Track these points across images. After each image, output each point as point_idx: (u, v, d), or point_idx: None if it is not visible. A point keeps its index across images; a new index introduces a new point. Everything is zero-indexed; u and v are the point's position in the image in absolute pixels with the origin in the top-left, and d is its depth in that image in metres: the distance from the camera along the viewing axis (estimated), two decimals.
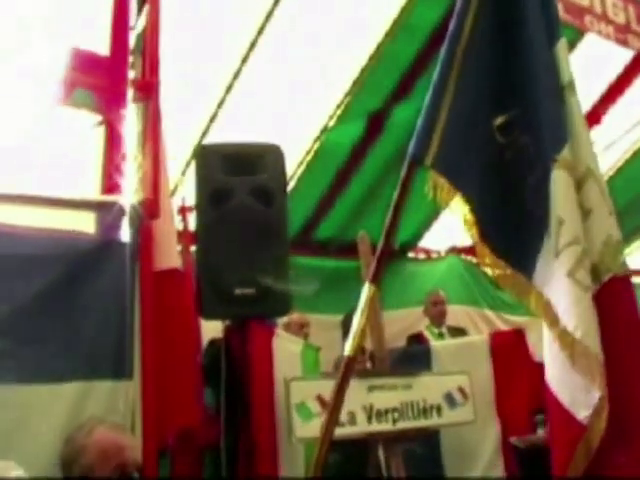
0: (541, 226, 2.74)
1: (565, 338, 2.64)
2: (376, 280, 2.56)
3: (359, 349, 2.54)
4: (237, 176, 3.48)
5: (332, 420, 2.54)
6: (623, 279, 2.79)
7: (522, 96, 2.82)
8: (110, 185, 3.22)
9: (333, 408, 2.55)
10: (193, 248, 4.00)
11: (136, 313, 3.08)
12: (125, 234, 3.18)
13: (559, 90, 2.83)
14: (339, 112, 6.04)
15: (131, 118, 3.35)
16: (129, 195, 3.16)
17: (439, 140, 2.63)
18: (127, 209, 3.12)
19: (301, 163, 6.38)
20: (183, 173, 5.66)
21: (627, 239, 8.65)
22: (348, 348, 2.49)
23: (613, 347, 2.68)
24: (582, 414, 2.61)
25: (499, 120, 2.79)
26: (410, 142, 2.62)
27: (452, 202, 2.69)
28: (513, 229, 2.77)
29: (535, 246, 2.76)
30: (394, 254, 7.91)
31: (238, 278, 3.35)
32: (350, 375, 2.56)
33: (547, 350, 2.77)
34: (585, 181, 2.80)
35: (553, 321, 2.67)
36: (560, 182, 2.71)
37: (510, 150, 2.79)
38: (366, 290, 2.52)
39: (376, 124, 6.17)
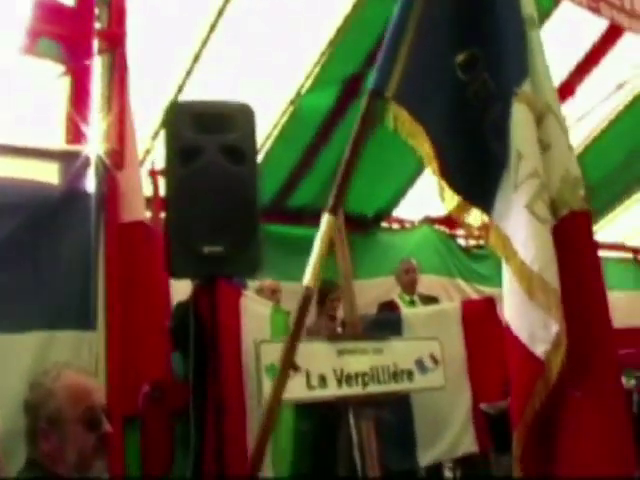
0: (501, 161, 2.71)
1: (523, 271, 2.61)
2: (335, 211, 2.51)
3: (318, 280, 2.49)
4: (207, 134, 3.41)
5: (292, 348, 2.48)
6: (581, 215, 2.76)
7: (483, 31, 2.79)
8: (75, 135, 3.15)
9: (292, 338, 2.50)
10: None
11: (101, 265, 3.03)
12: (90, 185, 3.12)
13: (520, 24, 2.78)
14: (314, 76, 5.97)
15: (97, 69, 3.28)
16: (94, 145, 3.10)
17: (400, 74, 2.61)
18: (92, 159, 3.06)
19: (275, 128, 6.31)
20: (156, 135, 5.54)
21: (599, 213, 8.72)
22: (307, 278, 2.45)
23: (570, 282, 2.65)
24: (540, 349, 2.58)
25: (460, 57, 2.76)
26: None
27: (412, 135, 2.67)
28: (473, 165, 2.75)
29: (494, 182, 2.73)
30: (367, 224, 7.90)
31: (207, 236, 3.29)
32: (308, 307, 2.51)
33: (506, 287, 2.74)
34: (544, 116, 2.77)
35: (511, 255, 2.65)
36: (520, 116, 2.68)
37: (471, 87, 2.77)
38: (325, 220, 2.48)
39: (352, 89, 6.09)
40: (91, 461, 2.08)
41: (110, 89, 3.22)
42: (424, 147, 2.68)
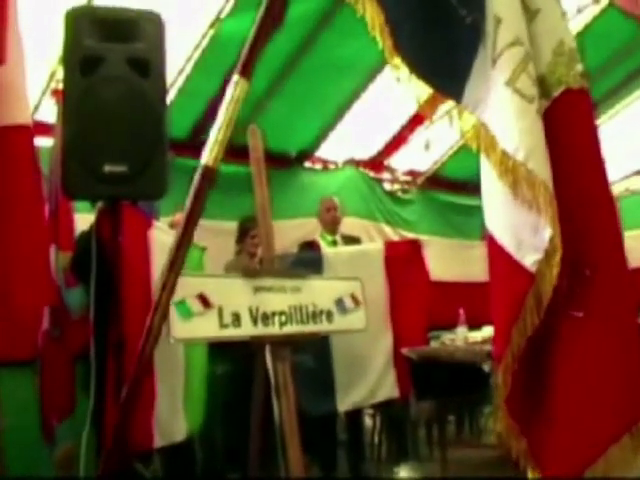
0: (475, 36, 2.30)
1: (504, 163, 2.22)
2: (246, 73, 2.19)
3: (219, 158, 2.19)
4: (111, 43, 3.10)
5: (185, 239, 2.18)
6: (580, 93, 2.37)
7: None
8: None
9: (186, 224, 2.19)
10: None
11: None
12: None
13: None
14: (231, 4, 5.60)
15: None
16: None
17: None
18: None
19: (190, 58, 5.94)
20: None
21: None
22: (207, 154, 2.15)
23: (567, 175, 2.26)
24: (530, 259, 2.21)
25: None
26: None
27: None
28: (437, 43, 2.33)
29: (466, 62, 2.32)
30: (290, 162, 7.67)
31: (109, 154, 2.98)
32: (206, 187, 2.20)
33: (485, 189, 2.38)
34: None
35: (489, 145, 2.27)
36: None
37: None
38: (234, 84, 2.17)
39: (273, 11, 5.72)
40: None
41: None
42: (366, 6, 2.33)
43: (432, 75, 2.35)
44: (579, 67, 2.39)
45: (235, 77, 2.17)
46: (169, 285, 2.25)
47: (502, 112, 2.25)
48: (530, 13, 2.35)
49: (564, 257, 2.19)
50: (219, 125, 2.15)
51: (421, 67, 2.34)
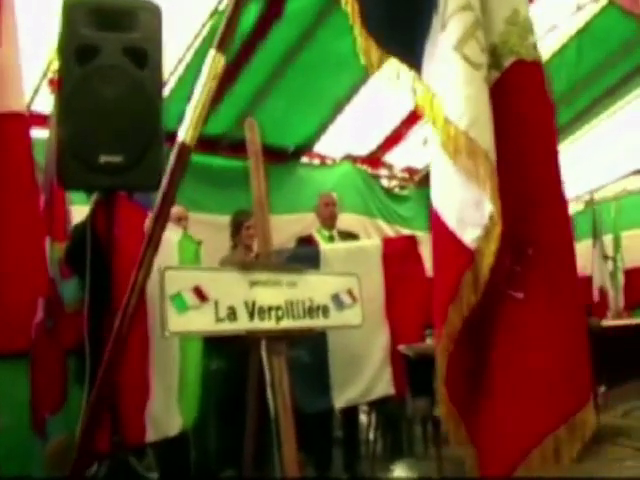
0: (431, 3, 2.25)
1: (446, 131, 2.15)
2: (222, 47, 2.14)
3: (196, 136, 2.14)
4: (107, 32, 3.06)
5: (165, 207, 2.13)
6: (532, 65, 2.32)
7: None
8: None
9: (162, 202, 2.14)
10: None
11: None
12: None
13: None
14: None
15: None
16: None
17: None
18: None
19: (189, 48, 5.88)
20: None
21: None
22: (184, 130, 2.11)
23: (515, 149, 2.20)
24: (469, 236, 2.15)
25: None
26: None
27: None
28: (402, 14, 2.30)
29: (425, 29, 2.27)
30: (287, 157, 7.65)
31: (105, 145, 2.95)
32: (183, 165, 2.15)
33: (432, 161, 2.31)
34: None
35: (435, 111, 2.19)
36: None
37: None
38: (210, 58, 2.13)
39: (275, 7, 5.69)
40: None
41: None
42: None
43: (397, 46, 2.30)
44: (532, 39, 2.33)
45: (212, 51, 2.13)
46: (146, 263, 2.21)
47: (448, 78, 2.19)
48: None
49: (507, 235, 2.13)
50: (196, 101, 2.11)
51: (387, 39, 2.30)
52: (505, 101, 2.24)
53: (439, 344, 2.27)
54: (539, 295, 2.19)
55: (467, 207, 2.17)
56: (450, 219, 2.21)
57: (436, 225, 2.29)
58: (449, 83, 2.18)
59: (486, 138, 2.15)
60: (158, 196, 2.15)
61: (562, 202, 2.35)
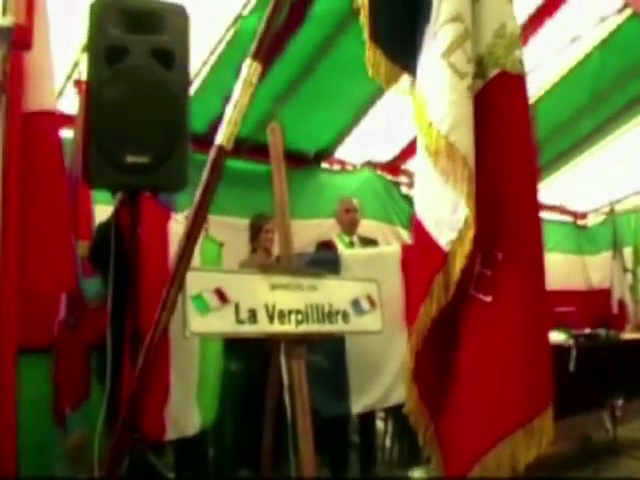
0: (427, 11, 2.36)
1: (429, 133, 2.26)
2: (258, 56, 2.20)
3: (233, 137, 2.19)
4: (136, 34, 3.10)
5: (200, 215, 2.17)
6: (516, 78, 2.40)
7: None
8: None
9: (199, 205, 2.18)
10: None
11: None
12: None
13: None
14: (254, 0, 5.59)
15: None
16: None
17: None
18: None
19: (214, 51, 5.92)
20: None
21: (541, 172, 8.55)
22: (222, 134, 2.15)
23: (496, 155, 2.29)
24: (445, 238, 2.24)
25: None
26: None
27: None
28: (405, 27, 2.44)
29: (421, 38, 2.40)
30: (308, 162, 7.67)
31: (131, 145, 2.99)
32: (220, 165, 2.20)
33: (415, 166, 2.42)
34: None
35: (421, 115, 2.31)
36: None
37: None
38: (247, 66, 2.18)
39: (297, 12, 5.72)
40: None
41: None
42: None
43: (400, 55, 2.39)
44: (518, 53, 2.41)
45: (248, 60, 2.19)
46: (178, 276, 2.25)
47: (434, 83, 2.29)
48: None
49: (479, 239, 2.20)
50: (233, 105, 2.16)
51: (391, 48, 2.44)
52: (487, 110, 2.34)
53: (409, 342, 2.33)
54: (506, 300, 2.27)
55: (444, 210, 2.26)
56: (428, 222, 2.29)
57: (416, 228, 2.40)
58: (434, 88, 2.29)
59: (466, 143, 2.24)
60: (196, 195, 2.19)
61: (535, 213, 2.42)
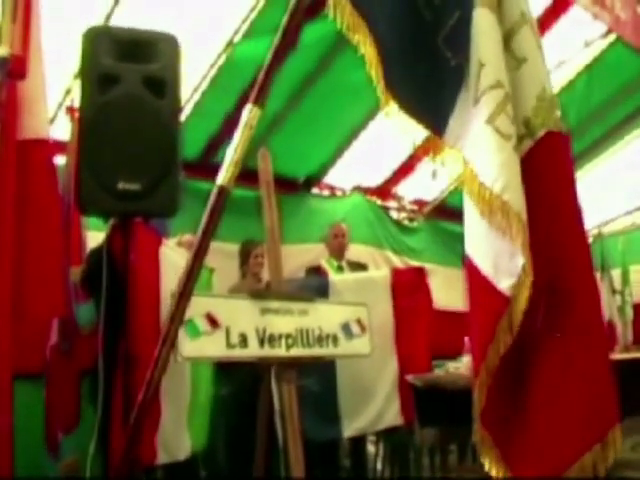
0: (459, 75, 2.48)
1: (482, 194, 2.38)
2: (258, 101, 2.26)
3: (234, 178, 2.24)
4: (127, 62, 3.15)
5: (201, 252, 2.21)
6: (560, 136, 2.56)
7: None
8: None
9: (200, 244, 2.22)
10: None
11: None
12: None
13: None
14: (246, 26, 5.67)
15: None
16: None
17: None
18: None
19: (205, 78, 5.98)
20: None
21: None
22: (223, 174, 2.20)
23: (545, 209, 2.43)
24: (504, 283, 2.35)
25: None
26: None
27: (352, 28, 2.45)
28: (424, 80, 2.53)
29: (450, 99, 2.50)
30: (298, 187, 7.70)
31: (123, 172, 3.02)
32: (221, 207, 2.25)
33: (467, 217, 2.51)
34: (519, 27, 2.55)
35: (470, 178, 2.42)
36: (482, 21, 2.45)
37: None
38: (247, 111, 2.24)
39: (287, 40, 5.77)
40: None
41: None
42: (366, 45, 2.47)
43: (418, 110, 2.50)
44: (558, 113, 2.58)
45: (249, 105, 2.26)
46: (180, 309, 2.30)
47: (481, 147, 2.41)
48: (517, 61, 2.55)
49: (542, 283, 2.33)
50: (233, 149, 2.22)
51: (408, 102, 2.51)
52: (538, 165, 2.49)
53: (477, 379, 2.44)
54: (572, 332, 2.44)
55: (501, 257, 2.38)
56: (484, 266, 2.43)
57: (471, 273, 2.49)
58: (482, 152, 2.42)
59: (518, 200, 2.37)
60: (197, 235, 2.25)
61: (586, 254, 2.58)
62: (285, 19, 2.37)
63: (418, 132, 2.56)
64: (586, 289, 2.50)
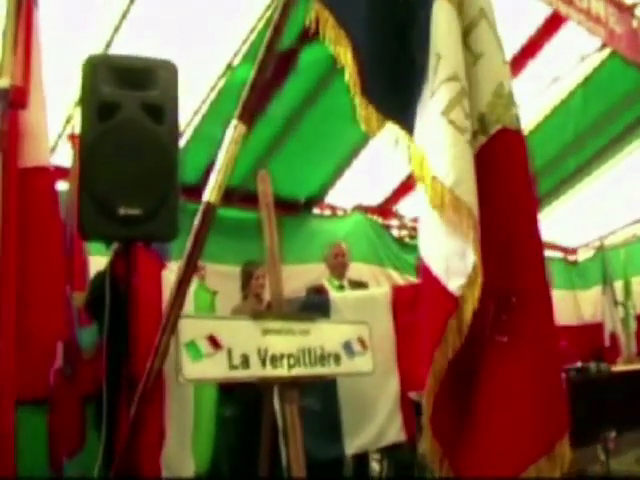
0: (423, 71, 2.50)
1: (434, 188, 2.38)
2: (244, 118, 2.30)
3: (220, 194, 2.28)
4: (126, 90, 3.20)
5: (191, 264, 2.25)
6: (515, 133, 2.55)
7: None
8: None
9: (189, 258, 2.25)
10: None
11: None
12: None
13: None
14: (246, 47, 5.73)
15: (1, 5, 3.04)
16: None
17: None
18: None
19: (205, 100, 6.05)
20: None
21: (542, 200, 8.64)
22: (209, 192, 2.24)
23: (499, 206, 2.43)
24: (454, 283, 2.34)
25: None
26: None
27: (335, 41, 2.49)
28: (399, 79, 2.56)
29: (417, 96, 2.52)
30: (299, 208, 7.75)
31: (124, 198, 3.07)
32: (208, 223, 2.29)
33: (420, 216, 2.55)
34: (477, 22, 2.56)
35: (424, 170, 2.43)
36: (441, 14, 2.47)
37: None
38: (232, 127, 2.28)
39: (284, 64, 5.85)
40: None
41: (15, 20, 2.98)
42: (346, 55, 2.51)
43: (392, 110, 2.51)
44: (515, 110, 2.56)
45: (234, 121, 2.29)
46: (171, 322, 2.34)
47: (435, 140, 2.41)
48: (474, 56, 2.55)
49: (492, 286, 2.31)
50: (219, 166, 2.25)
51: (383, 103, 2.55)
52: (491, 162, 2.46)
53: (426, 386, 2.41)
54: (522, 339, 2.39)
55: (452, 257, 2.37)
56: (436, 267, 2.40)
57: (424, 274, 2.50)
58: (436, 144, 2.40)
59: (470, 195, 2.36)
60: (185, 252, 2.28)
61: (541, 256, 2.57)
62: (268, 35, 2.40)
63: (394, 131, 2.56)
64: (538, 293, 2.48)
